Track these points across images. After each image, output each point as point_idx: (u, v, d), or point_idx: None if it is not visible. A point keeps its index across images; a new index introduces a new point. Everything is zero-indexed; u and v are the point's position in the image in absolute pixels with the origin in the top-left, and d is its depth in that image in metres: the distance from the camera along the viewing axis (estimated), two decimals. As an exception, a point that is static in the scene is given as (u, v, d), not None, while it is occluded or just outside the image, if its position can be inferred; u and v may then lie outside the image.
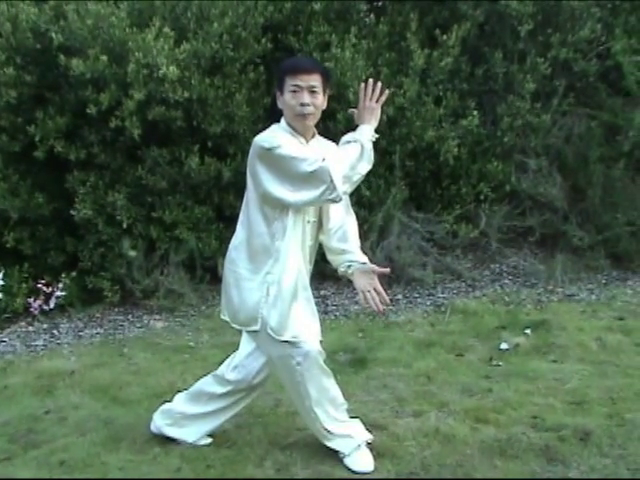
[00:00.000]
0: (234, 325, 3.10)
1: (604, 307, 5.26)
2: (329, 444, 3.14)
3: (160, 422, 3.35)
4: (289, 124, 2.98)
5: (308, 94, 2.91)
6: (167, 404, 3.38)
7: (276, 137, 2.90)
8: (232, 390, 3.19)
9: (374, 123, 3.00)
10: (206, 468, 3.15)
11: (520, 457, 3.14)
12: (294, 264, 2.97)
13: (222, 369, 3.21)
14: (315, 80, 2.92)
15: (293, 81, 2.91)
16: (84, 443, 3.42)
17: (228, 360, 3.22)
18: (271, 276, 2.95)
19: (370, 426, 3.43)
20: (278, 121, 3.03)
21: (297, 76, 2.91)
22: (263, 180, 2.88)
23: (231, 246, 3.10)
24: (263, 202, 2.94)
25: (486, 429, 3.40)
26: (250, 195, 2.99)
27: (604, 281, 5.88)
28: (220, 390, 3.20)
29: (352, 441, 3.13)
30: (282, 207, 2.91)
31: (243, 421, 3.51)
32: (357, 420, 3.25)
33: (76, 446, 3.40)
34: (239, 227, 3.08)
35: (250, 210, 3.00)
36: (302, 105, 2.91)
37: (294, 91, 2.91)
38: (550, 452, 3.17)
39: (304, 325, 2.97)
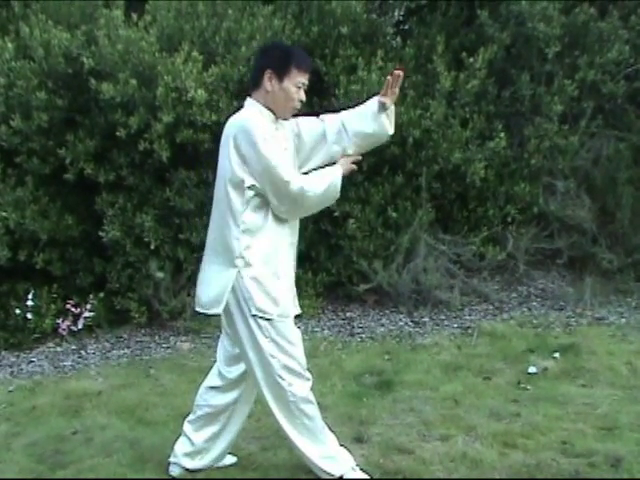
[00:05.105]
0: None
1: (634, 331, 5.17)
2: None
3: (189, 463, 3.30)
4: (270, 108, 3.00)
5: (303, 91, 3.03)
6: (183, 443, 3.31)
7: (260, 128, 2.90)
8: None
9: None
10: (232, 490, 3.15)
11: (549, 483, 3.10)
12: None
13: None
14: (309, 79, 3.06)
15: (302, 77, 3.00)
16: (110, 464, 3.44)
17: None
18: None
19: (396, 450, 3.41)
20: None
21: (306, 74, 3.01)
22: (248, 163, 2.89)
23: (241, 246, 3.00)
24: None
25: (514, 454, 3.35)
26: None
27: (634, 304, 5.79)
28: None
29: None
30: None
31: (269, 444, 3.50)
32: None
33: (103, 467, 3.41)
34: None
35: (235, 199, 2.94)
36: (300, 102, 3.03)
37: (299, 87, 3.00)
38: (580, 478, 3.12)
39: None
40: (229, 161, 2.90)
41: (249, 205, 2.92)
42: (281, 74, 2.96)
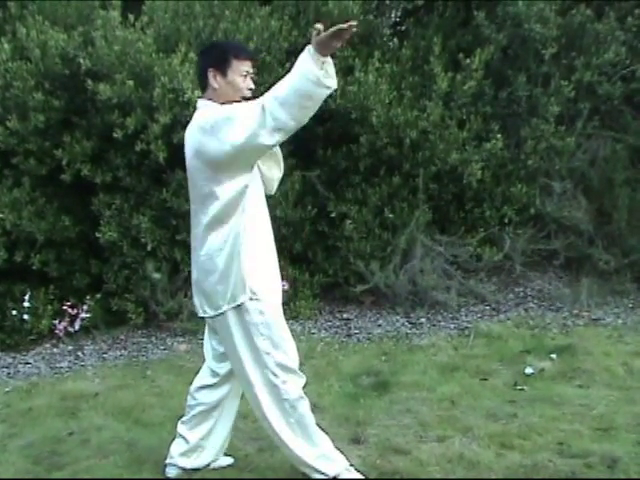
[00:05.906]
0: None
1: (631, 332, 5.18)
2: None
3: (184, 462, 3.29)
4: (223, 104, 2.98)
5: (250, 79, 3.04)
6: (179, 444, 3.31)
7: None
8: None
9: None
10: (228, 492, 3.15)
11: (546, 484, 3.10)
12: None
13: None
14: (252, 67, 3.06)
15: (243, 66, 3.00)
16: (107, 465, 3.43)
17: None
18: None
19: (393, 451, 3.41)
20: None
21: (246, 62, 3.02)
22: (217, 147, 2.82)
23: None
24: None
25: (511, 455, 3.35)
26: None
27: (630, 305, 5.80)
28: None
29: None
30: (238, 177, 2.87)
31: (266, 445, 3.49)
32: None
33: (99, 468, 3.41)
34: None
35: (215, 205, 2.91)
36: (249, 89, 3.03)
37: (244, 75, 3.01)
38: (577, 479, 3.12)
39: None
40: (213, 171, 2.88)
41: (239, 204, 2.91)
42: (223, 69, 2.98)
